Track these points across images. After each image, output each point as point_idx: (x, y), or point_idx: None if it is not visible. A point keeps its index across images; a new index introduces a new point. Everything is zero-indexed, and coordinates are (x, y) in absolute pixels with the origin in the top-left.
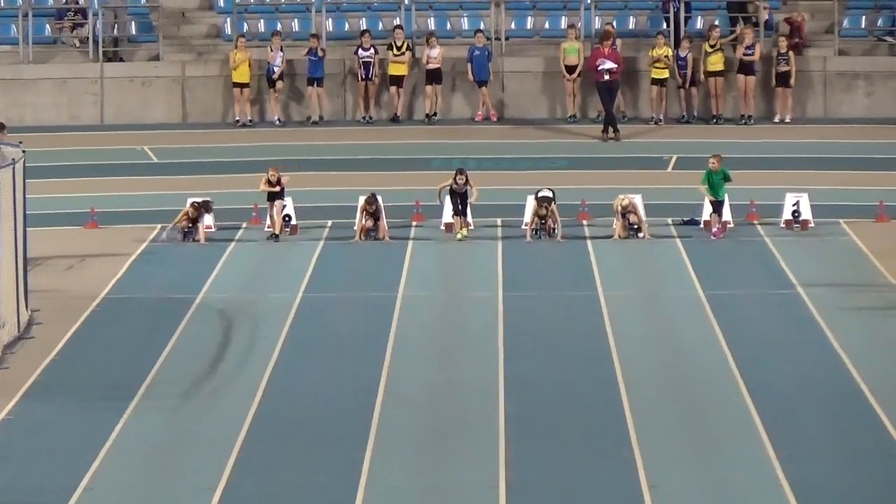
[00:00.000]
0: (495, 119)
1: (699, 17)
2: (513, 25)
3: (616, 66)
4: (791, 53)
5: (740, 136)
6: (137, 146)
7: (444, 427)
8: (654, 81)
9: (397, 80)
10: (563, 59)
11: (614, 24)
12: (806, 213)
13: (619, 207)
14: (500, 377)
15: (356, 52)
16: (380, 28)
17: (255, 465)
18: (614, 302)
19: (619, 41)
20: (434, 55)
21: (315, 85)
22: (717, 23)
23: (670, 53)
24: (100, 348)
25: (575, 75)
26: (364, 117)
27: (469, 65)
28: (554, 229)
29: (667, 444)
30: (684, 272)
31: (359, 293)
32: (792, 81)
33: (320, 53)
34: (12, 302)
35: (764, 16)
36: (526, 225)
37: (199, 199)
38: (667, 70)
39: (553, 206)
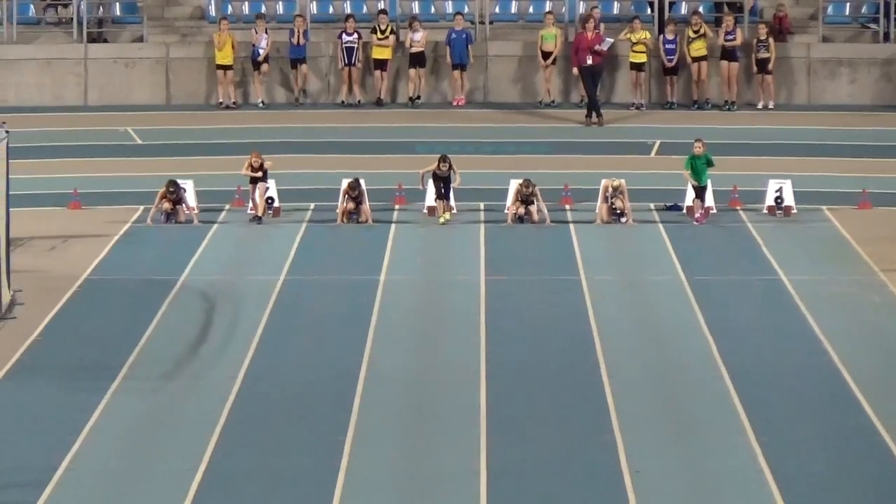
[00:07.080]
0: (462, 104)
1: (683, 3)
2: (497, 9)
3: (612, 41)
4: (771, 40)
5: (724, 122)
6: (121, 127)
7: (425, 411)
8: (633, 66)
9: (381, 64)
10: (541, 45)
11: (600, 8)
12: (789, 200)
13: (610, 189)
14: (481, 361)
15: (340, 37)
16: (364, 11)
17: (237, 446)
18: (596, 286)
19: (601, 25)
20: (417, 39)
21: (299, 66)
22: (700, 9)
23: (648, 37)
24: (82, 329)
25: (549, 62)
26: (345, 101)
27: (448, 48)
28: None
29: (648, 429)
30: (667, 257)
31: (341, 276)
32: (771, 68)
33: (301, 40)
34: None
35: (750, 2)
36: (508, 209)
37: (175, 180)
38: (645, 54)
39: (536, 188)
